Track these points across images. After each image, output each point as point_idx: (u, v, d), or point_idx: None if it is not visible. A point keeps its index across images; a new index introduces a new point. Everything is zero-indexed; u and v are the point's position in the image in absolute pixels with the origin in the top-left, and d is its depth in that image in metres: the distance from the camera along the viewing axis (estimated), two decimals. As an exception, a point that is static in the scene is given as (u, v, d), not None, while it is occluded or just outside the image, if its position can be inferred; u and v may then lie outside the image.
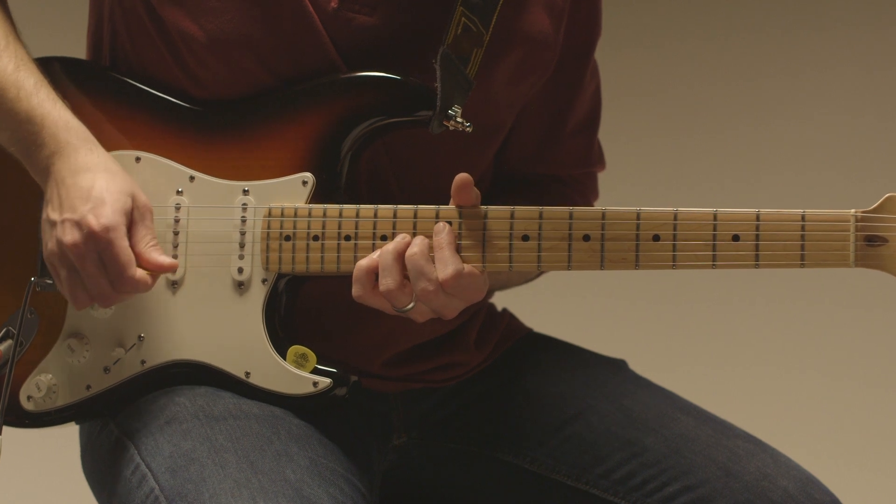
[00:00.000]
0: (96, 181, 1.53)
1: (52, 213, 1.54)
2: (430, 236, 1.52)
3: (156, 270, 1.55)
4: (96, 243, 1.51)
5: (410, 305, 1.52)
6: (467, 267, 1.51)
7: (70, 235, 1.52)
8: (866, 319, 3.42)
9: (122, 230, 1.52)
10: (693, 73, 3.62)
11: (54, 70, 1.64)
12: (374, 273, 1.52)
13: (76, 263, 1.52)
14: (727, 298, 3.48)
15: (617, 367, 1.82)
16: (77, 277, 1.53)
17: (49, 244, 1.55)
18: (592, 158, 1.86)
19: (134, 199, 1.55)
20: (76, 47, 1.78)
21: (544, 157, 1.81)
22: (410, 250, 1.51)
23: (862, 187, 3.31)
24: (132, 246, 1.53)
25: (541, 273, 1.78)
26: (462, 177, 1.51)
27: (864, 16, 3.49)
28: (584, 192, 1.86)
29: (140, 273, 1.53)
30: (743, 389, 3.40)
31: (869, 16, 3.48)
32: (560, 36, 1.72)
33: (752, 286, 3.46)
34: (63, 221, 1.53)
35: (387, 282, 1.51)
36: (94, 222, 1.51)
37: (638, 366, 1.84)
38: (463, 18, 1.60)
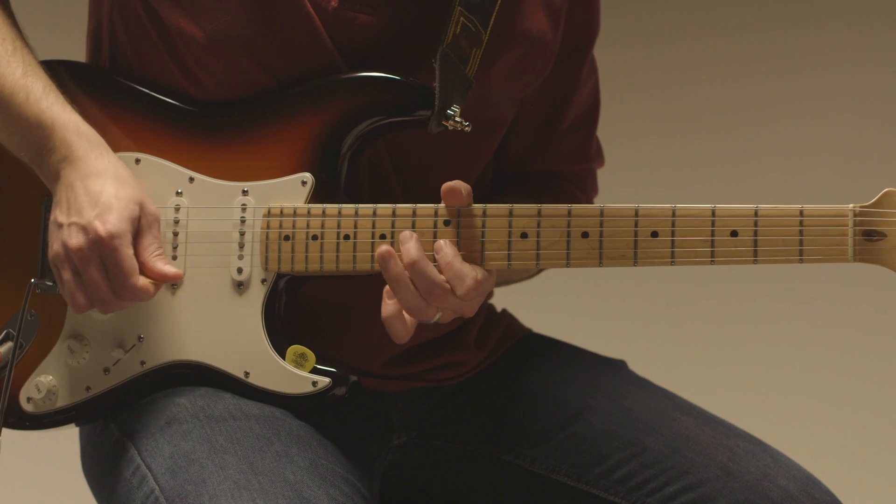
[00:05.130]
0: (105, 187, 1.53)
1: (59, 215, 1.54)
2: (427, 232, 1.52)
3: (160, 279, 1.55)
4: (101, 249, 1.51)
5: (438, 315, 1.53)
6: (481, 273, 1.51)
7: (76, 239, 1.52)
8: (866, 317, 3.42)
9: (128, 238, 1.52)
10: (691, 71, 3.63)
11: (59, 74, 1.64)
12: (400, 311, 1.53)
13: (79, 267, 1.52)
14: (727, 298, 3.48)
15: (617, 367, 1.82)
16: (79, 281, 1.54)
17: (55, 246, 1.55)
18: (590, 155, 1.86)
19: (142, 207, 1.55)
20: (76, 48, 1.78)
21: (542, 153, 1.81)
22: (408, 256, 1.50)
23: (860, 183, 3.31)
24: (137, 255, 1.54)
25: (541, 270, 1.78)
26: (448, 185, 1.51)
27: (864, 16, 3.49)
28: (585, 188, 1.86)
29: (143, 282, 1.53)
30: (743, 389, 3.40)
31: (869, 16, 3.49)
32: (558, 34, 1.73)
33: (751, 286, 3.46)
34: (70, 225, 1.53)
35: (415, 313, 1.51)
36: (101, 228, 1.51)
37: (638, 366, 1.83)
38: (462, 18, 1.60)
